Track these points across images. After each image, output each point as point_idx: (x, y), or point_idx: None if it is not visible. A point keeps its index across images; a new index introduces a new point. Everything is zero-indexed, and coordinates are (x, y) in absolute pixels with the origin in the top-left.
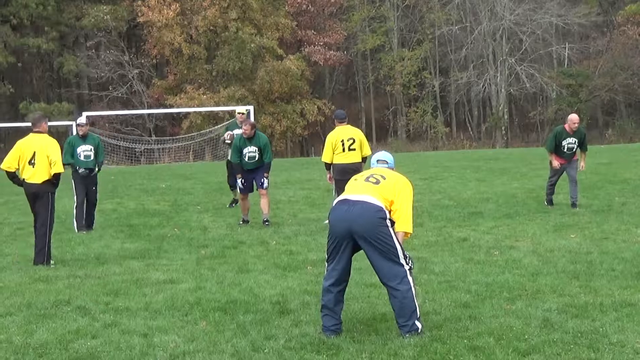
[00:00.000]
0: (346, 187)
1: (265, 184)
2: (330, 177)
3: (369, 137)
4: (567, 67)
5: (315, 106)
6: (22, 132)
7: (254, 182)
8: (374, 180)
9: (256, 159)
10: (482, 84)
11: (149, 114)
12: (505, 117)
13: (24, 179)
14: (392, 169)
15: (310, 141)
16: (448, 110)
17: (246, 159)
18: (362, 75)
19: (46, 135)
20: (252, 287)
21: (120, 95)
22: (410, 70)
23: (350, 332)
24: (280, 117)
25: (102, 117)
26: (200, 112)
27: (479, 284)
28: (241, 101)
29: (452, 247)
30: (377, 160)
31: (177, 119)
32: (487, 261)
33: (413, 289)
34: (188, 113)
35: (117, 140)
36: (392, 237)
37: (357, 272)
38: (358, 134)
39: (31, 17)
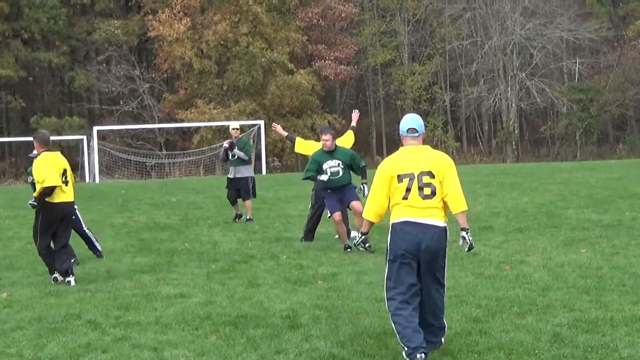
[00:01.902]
0: (402, 203)
1: (366, 192)
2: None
3: (379, 151)
4: (577, 82)
5: (326, 121)
6: (33, 147)
7: (343, 202)
8: (429, 192)
9: (340, 174)
10: (492, 99)
11: (159, 129)
12: (516, 131)
13: (51, 201)
14: (423, 135)
15: None
16: (458, 125)
17: (329, 175)
18: (372, 90)
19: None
20: (263, 302)
21: (131, 109)
22: (420, 84)
23: (360, 346)
24: (291, 132)
25: (112, 131)
26: (211, 126)
27: (490, 299)
28: (252, 115)
29: (463, 262)
30: (407, 130)
31: (187, 133)
32: (497, 276)
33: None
34: (199, 127)
35: (128, 154)
36: (445, 259)
37: (368, 286)
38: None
39: (42, 31)
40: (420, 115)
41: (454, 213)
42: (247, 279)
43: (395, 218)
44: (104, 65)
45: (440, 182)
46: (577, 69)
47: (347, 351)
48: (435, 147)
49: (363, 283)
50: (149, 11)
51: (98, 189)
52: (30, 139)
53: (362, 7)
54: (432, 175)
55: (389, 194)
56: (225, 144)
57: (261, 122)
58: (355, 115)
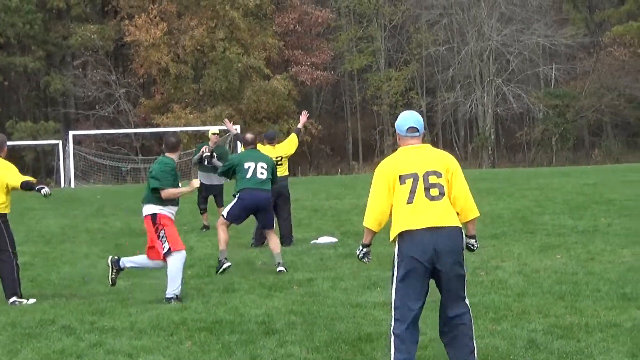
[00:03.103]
0: (406, 209)
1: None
2: None
3: (355, 156)
4: (553, 88)
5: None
6: (9, 151)
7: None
8: (437, 193)
9: None
10: (469, 104)
11: (135, 133)
12: (492, 137)
13: None
14: (423, 134)
15: (298, 160)
16: (435, 130)
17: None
18: (349, 95)
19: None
20: (238, 307)
21: (107, 114)
22: (397, 90)
23: (335, 352)
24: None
25: (88, 136)
26: (187, 131)
27: None
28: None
29: None
30: (407, 129)
31: (164, 138)
32: (472, 281)
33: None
34: (175, 132)
35: (104, 159)
36: (465, 269)
37: (344, 292)
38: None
39: (18, 36)
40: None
41: (463, 221)
42: (222, 285)
43: (399, 228)
44: (80, 70)
45: (449, 181)
46: (553, 74)
47: (322, 357)
48: None
49: (339, 289)
50: (126, 16)
51: (73, 194)
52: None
53: (339, 13)
54: (439, 175)
55: (391, 198)
56: (207, 153)
57: (237, 127)
58: (302, 116)
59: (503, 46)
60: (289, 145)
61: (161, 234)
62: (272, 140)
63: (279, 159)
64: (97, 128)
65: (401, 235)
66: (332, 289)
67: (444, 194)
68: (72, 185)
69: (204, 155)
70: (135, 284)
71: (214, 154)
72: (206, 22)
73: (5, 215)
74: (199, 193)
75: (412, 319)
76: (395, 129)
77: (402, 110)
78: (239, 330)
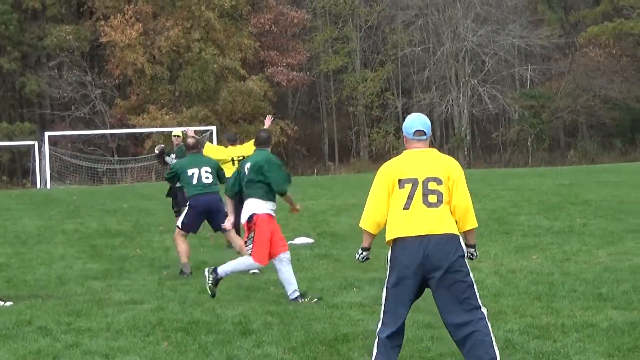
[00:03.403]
0: (402, 214)
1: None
2: None
3: (331, 157)
4: (529, 89)
5: (278, 127)
6: None
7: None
8: (435, 200)
9: None
10: (444, 105)
11: (111, 134)
12: (468, 138)
13: None
14: (429, 137)
15: None
16: None
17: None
18: (324, 96)
19: None
20: (214, 308)
21: (82, 115)
22: (372, 91)
23: (312, 352)
24: (243, 138)
25: (64, 137)
26: (162, 132)
27: None
28: (204, 121)
29: None
30: (415, 132)
31: (139, 138)
32: None
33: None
34: (151, 133)
35: (80, 160)
36: (470, 276)
37: (319, 292)
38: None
39: None
40: (372, 122)
41: (461, 230)
42: (198, 285)
43: (394, 233)
44: (56, 70)
45: (449, 189)
46: (528, 75)
47: (298, 357)
48: (387, 153)
49: (315, 289)
50: (101, 17)
51: (49, 194)
52: None
53: (315, 13)
54: (439, 182)
55: (389, 201)
56: (156, 150)
57: (213, 128)
58: (267, 120)
59: (478, 47)
60: (252, 145)
61: (251, 235)
62: (233, 141)
63: (241, 158)
64: (73, 129)
65: (395, 241)
66: (309, 290)
67: (442, 202)
68: (48, 186)
69: (154, 150)
70: (111, 285)
71: (165, 152)
72: (182, 23)
73: None
74: (173, 195)
75: (399, 324)
76: (402, 131)
77: (378, 111)
78: (216, 331)
